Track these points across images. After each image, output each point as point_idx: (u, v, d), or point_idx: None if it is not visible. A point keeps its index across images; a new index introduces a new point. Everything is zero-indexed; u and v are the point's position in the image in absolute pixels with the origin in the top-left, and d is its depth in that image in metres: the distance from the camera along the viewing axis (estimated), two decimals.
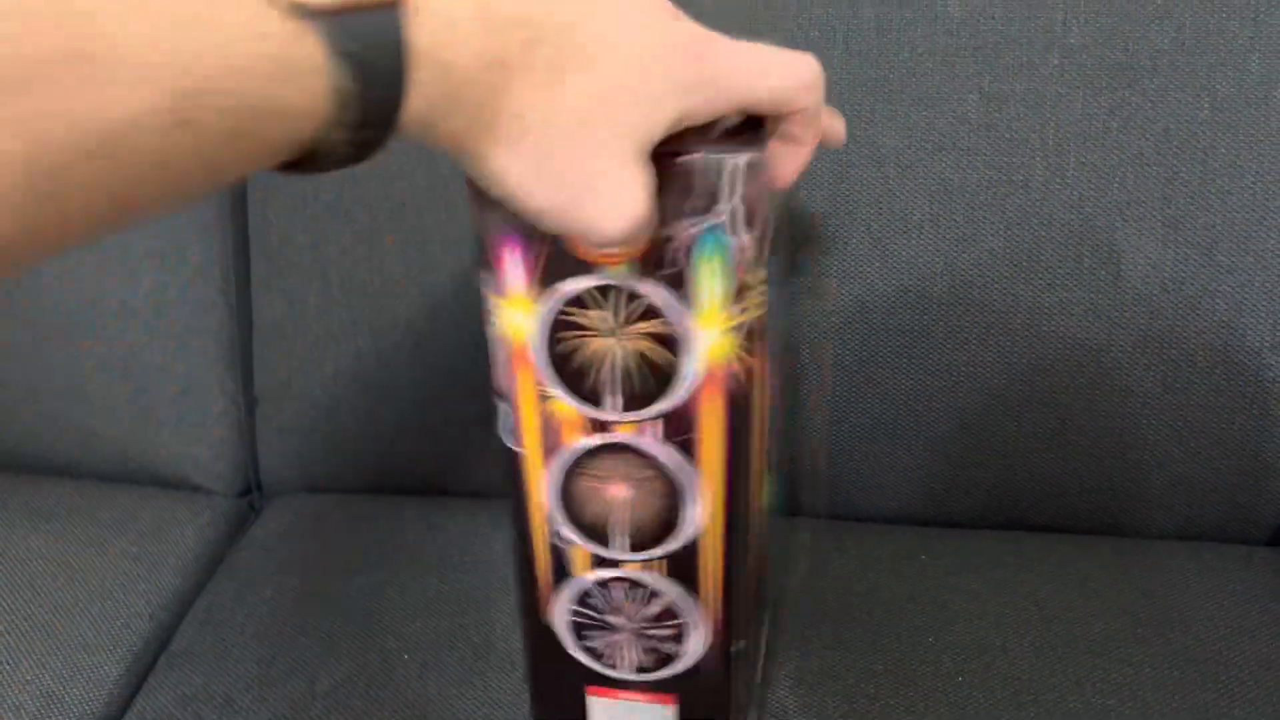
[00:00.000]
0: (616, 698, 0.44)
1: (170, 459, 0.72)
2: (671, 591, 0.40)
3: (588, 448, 0.38)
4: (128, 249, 0.67)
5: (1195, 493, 0.61)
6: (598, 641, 0.43)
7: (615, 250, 0.34)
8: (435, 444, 0.68)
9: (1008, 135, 0.56)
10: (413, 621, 0.57)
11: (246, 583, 0.64)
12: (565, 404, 0.37)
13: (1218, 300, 0.56)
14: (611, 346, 0.36)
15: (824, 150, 0.58)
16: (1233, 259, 0.56)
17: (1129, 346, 0.58)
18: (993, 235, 0.57)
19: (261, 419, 0.72)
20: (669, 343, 0.35)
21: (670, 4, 0.31)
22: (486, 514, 0.66)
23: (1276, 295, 0.56)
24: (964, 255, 0.58)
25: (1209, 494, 0.61)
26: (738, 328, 0.35)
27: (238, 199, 0.67)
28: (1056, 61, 0.54)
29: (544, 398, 0.37)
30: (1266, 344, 0.57)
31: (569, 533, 0.40)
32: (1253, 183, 0.55)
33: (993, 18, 0.55)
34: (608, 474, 0.38)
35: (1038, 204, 0.56)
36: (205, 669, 0.58)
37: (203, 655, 0.59)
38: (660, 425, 0.37)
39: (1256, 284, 0.56)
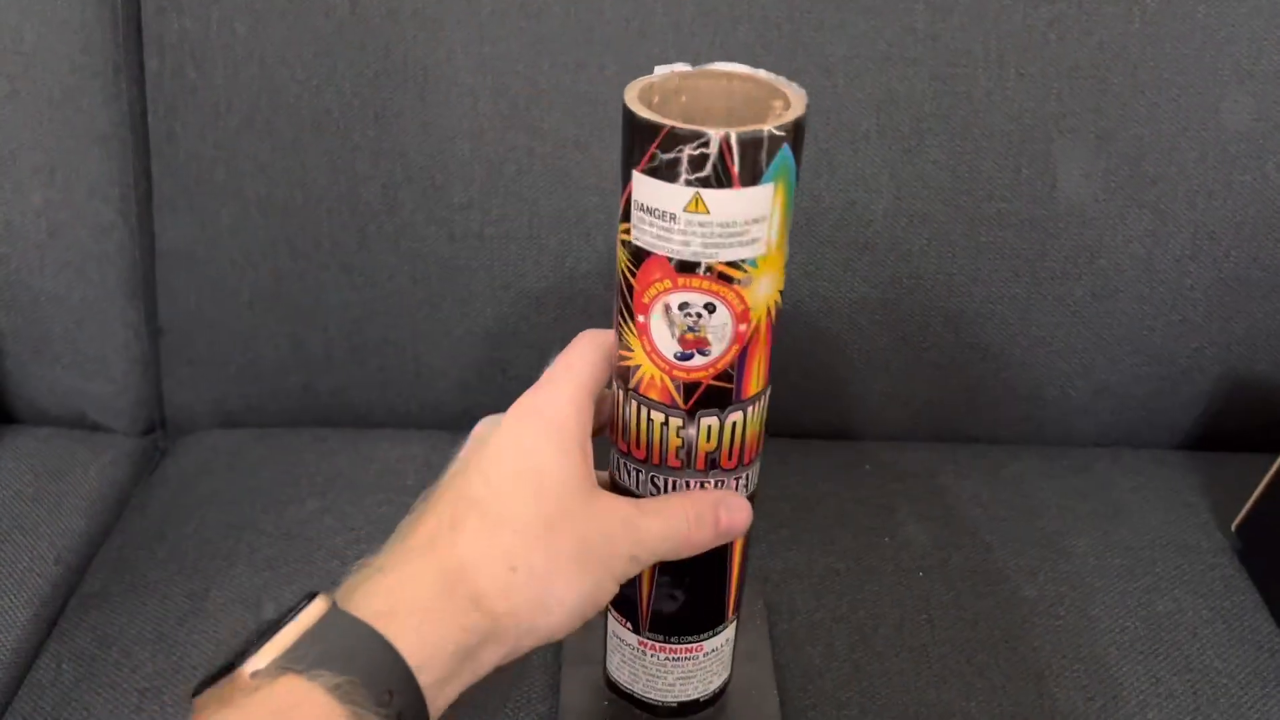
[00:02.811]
0: None
1: (66, 396, 0.67)
2: None
3: None
4: (13, 162, 0.61)
5: (1116, 400, 0.64)
6: None
7: None
8: (364, 372, 0.65)
9: (952, 46, 0.57)
10: (358, 544, 0.54)
11: (162, 521, 0.60)
12: None
13: (1144, 210, 0.59)
14: None
15: (775, 57, 0.58)
16: (1158, 169, 0.58)
17: (1061, 257, 0.60)
18: (936, 147, 0.58)
19: (167, 351, 0.67)
20: None
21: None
22: (420, 443, 0.64)
23: (1196, 205, 0.59)
24: (909, 167, 0.58)
25: (1128, 400, 0.64)
26: None
27: (138, 108, 0.62)
28: None
29: None
30: (1186, 252, 0.60)
31: None
32: (1177, 95, 0.57)
33: None
34: None
35: (980, 115, 0.57)
36: (127, 609, 0.54)
37: (120, 596, 0.55)
38: None
39: (1179, 194, 0.59)
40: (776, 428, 0.64)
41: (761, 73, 0.35)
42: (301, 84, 0.59)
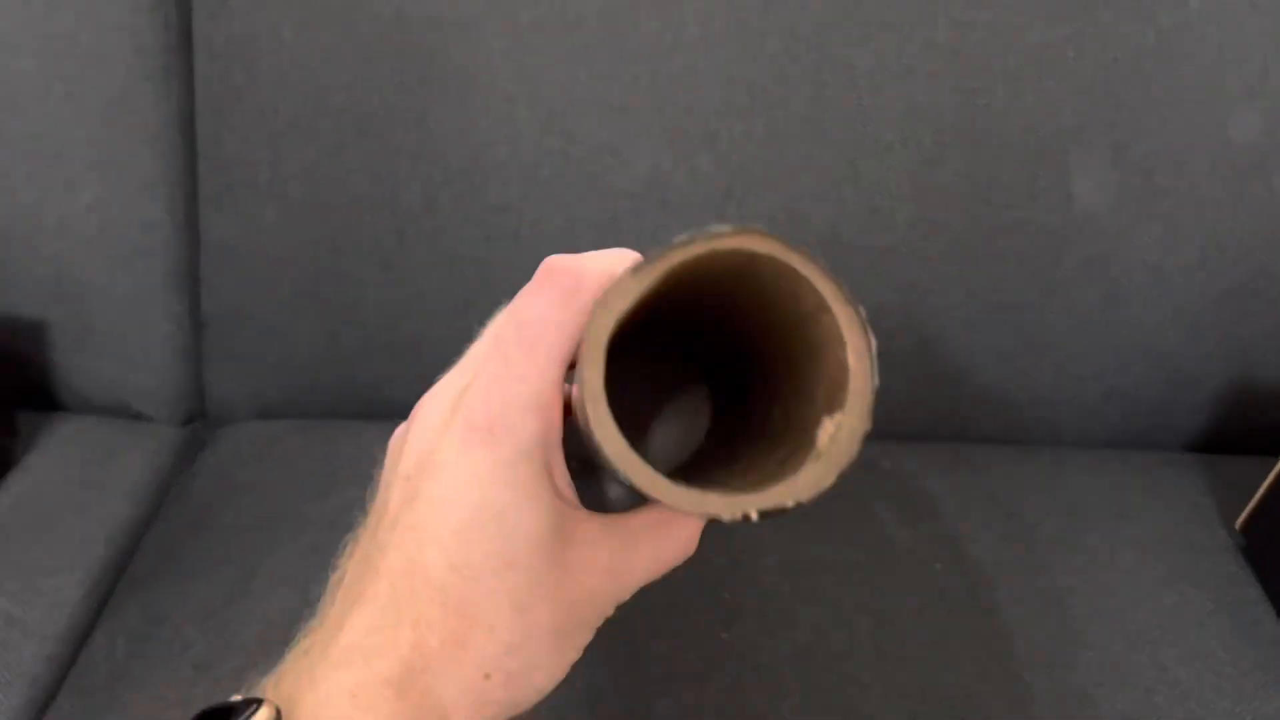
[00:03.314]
0: None
1: (110, 386, 0.69)
2: None
3: None
4: (68, 160, 0.64)
5: (1126, 403, 0.66)
6: None
7: None
8: (399, 366, 0.68)
9: (972, 61, 0.59)
10: None
11: (205, 507, 0.62)
12: None
13: (1154, 221, 0.61)
14: None
15: (802, 70, 0.60)
16: (1169, 182, 0.60)
17: (1075, 265, 0.62)
18: (957, 157, 0.60)
19: (209, 344, 0.69)
20: None
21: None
22: None
23: (1205, 216, 0.61)
24: (929, 176, 0.61)
25: (1138, 404, 0.66)
26: None
27: (187, 109, 0.65)
28: None
29: None
30: (1196, 262, 0.62)
31: None
32: (1189, 110, 0.59)
33: None
34: None
35: (998, 127, 0.60)
36: (175, 590, 0.56)
37: (168, 578, 0.57)
38: None
39: (1189, 205, 0.61)
40: None
41: (793, 255, 0.25)
42: (346, 88, 0.61)
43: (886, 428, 0.68)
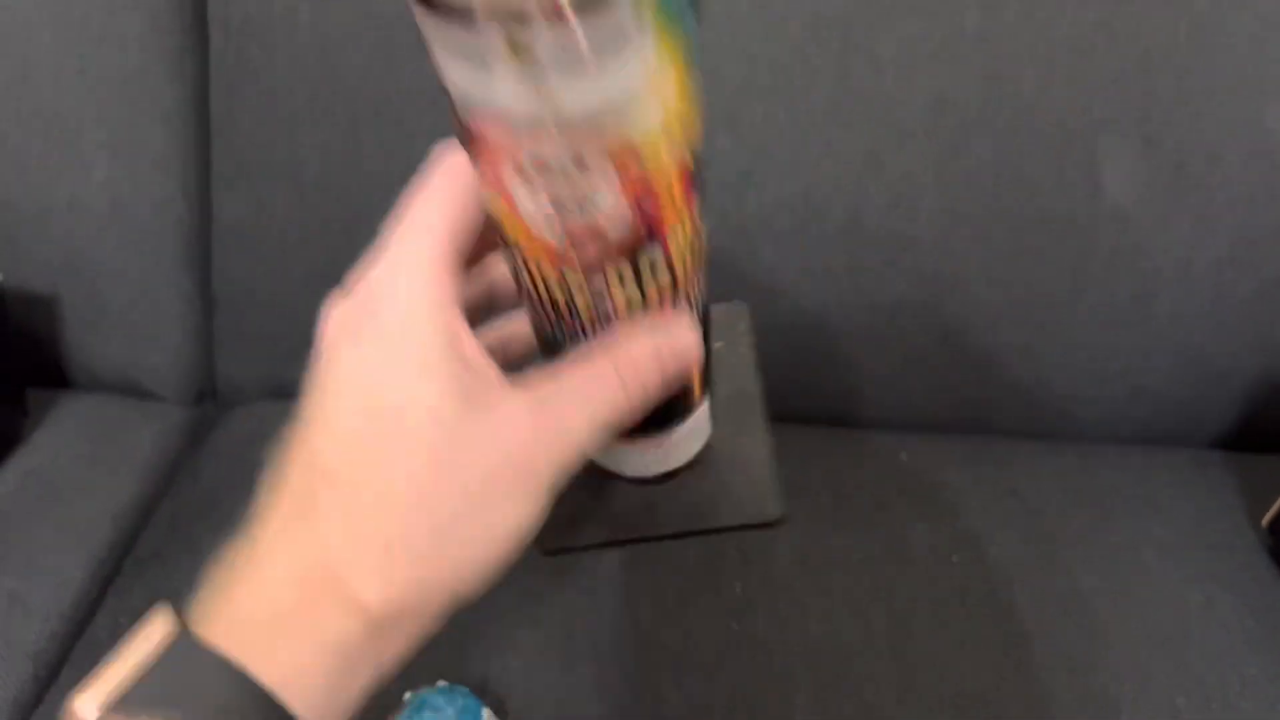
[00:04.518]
0: None
1: (121, 364, 0.69)
2: None
3: None
4: (80, 138, 0.63)
5: (1153, 399, 0.65)
6: None
7: None
8: None
9: (1001, 48, 0.58)
10: None
11: (214, 488, 0.62)
12: None
13: (1185, 215, 0.60)
14: None
15: (826, 54, 0.59)
16: (1200, 174, 0.59)
17: (1102, 259, 0.61)
18: (982, 147, 0.59)
19: (220, 323, 0.69)
20: None
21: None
22: None
23: (1237, 210, 0.59)
24: (954, 166, 0.59)
25: (1165, 400, 0.65)
26: None
27: (200, 88, 0.64)
28: None
29: None
30: (1226, 257, 0.60)
31: None
32: (1222, 102, 0.58)
33: None
34: None
35: (1026, 116, 0.58)
36: (183, 570, 0.54)
37: (175, 557, 0.57)
38: None
39: (1220, 199, 0.59)
40: (818, 417, 0.66)
41: None
42: (362, 68, 0.61)
43: (907, 419, 0.67)
